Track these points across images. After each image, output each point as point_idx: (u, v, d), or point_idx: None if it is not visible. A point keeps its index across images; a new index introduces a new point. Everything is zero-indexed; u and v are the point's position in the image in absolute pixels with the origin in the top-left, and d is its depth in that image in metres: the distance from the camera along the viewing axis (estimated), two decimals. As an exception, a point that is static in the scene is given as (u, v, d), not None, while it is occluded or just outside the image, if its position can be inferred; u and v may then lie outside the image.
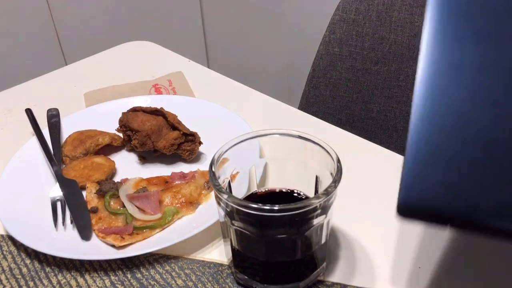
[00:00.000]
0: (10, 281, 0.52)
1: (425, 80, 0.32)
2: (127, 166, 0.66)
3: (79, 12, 1.65)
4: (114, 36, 1.56)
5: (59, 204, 0.59)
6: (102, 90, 0.84)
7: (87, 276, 0.52)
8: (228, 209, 0.44)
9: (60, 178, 0.62)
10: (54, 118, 0.73)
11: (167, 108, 0.69)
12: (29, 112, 0.74)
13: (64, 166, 0.65)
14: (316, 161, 0.48)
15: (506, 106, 0.30)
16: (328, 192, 0.42)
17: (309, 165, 0.49)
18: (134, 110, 0.68)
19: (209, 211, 0.56)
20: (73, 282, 0.51)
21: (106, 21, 1.71)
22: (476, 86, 0.31)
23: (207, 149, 0.67)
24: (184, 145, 0.65)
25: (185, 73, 0.88)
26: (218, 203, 0.45)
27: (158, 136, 0.65)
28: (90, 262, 0.53)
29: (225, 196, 0.42)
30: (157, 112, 0.68)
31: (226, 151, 0.48)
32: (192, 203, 0.57)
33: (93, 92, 0.84)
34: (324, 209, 0.43)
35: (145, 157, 0.67)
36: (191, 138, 0.65)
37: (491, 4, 0.31)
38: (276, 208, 0.40)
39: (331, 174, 0.45)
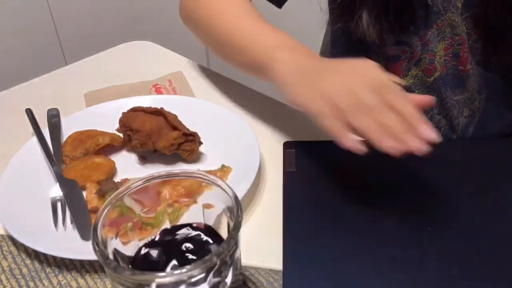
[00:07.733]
0: (10, 281, 0.52)
1: None
2: (127, 166, 0.66)
3: (79, 12, 1.64)
4: (114, 36, 1.56)
5: (59, 204, 0.59)
6: (102, 90, 0.84)
7: (87, 277, 0.52)
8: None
9: (60, 178, 0.62)
10: (54, 118, 0.73)
11: (167, 108, 0.69)
12: (29, 112, 0.74)
13: (64, 166, 0.65)
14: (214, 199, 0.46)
15: None
16: (223, 250, 0.39)
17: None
18: (134, 110, 0.68)
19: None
20: (73, 283, 0.51)
21: (106, 21, 1.71)
22: None
23: (207, 149, 0.67)
24: (184, 145, 0.65)
25: (185, 73, 0.88)
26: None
27: (158, 136, 0.65)
28: (91, 263, 0.53)
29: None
30: (157, 112, 0.68)
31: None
32: (191, 195, 0.56)
33: (93, 92, 0.84)
34: (224, 266, 0.41)
35: (145, 157, 0.67)
36: (191, 138, 0.65)
37: None
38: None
39: (230, 212, 0.43)
